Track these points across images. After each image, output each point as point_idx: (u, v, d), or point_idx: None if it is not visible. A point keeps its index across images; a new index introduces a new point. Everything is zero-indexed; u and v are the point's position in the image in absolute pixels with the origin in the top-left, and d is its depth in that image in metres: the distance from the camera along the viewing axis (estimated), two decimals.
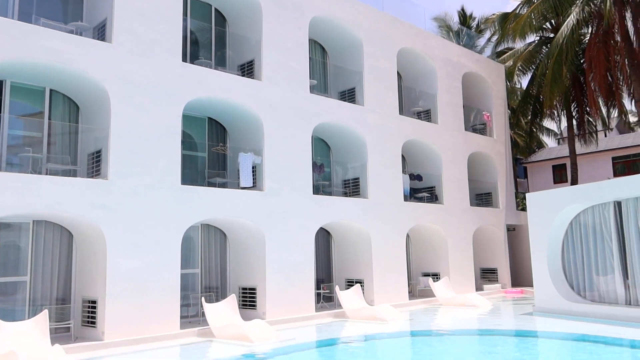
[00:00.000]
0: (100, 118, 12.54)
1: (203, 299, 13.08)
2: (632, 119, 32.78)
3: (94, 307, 11.80)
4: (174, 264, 12.74)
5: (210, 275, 15.21)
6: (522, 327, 13.58)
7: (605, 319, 12.89)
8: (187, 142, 15.23)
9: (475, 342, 12.40)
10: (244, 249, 15.20)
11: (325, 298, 17.20)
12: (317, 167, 17.31)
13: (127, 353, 10.87)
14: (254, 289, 14.70)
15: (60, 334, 11.96)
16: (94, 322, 11.76)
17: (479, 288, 21.49)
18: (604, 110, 26.88)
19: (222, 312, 12.84)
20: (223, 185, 15.07)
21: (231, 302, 13.14)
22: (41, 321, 10.25)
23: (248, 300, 14.80)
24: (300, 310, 15.00)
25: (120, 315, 11.65)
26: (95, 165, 12.55)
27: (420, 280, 20.17)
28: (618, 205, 13.63)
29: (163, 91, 13.12)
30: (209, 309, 12.70)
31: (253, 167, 14.85)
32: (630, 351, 10.29)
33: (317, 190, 17.06)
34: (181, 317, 13.01)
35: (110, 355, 10.73)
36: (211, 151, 15.65)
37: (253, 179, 14.85)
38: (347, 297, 15.63)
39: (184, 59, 14.55)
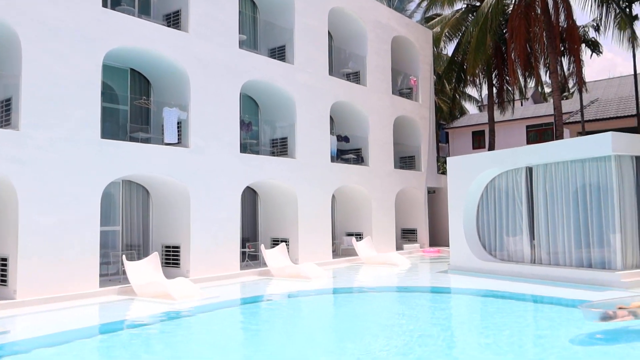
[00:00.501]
0: (11, 63, 11.59)
1: (124, 256, 12.73)
2: (547, 89, 34.61)
3: (5, 265, 11.18)
4: (93, 221, 12.26)
5: (132, 233, 14.78)
6: (437, 284, 14.33)
7: (513, 276, 13.84)
8: (108, 93, 14.45)
9: (394, 298, 12.97)
10: (168, 207, 14.85)
11: (250, 257, 17.26)
12: (244, 125, 17.05)
13: (42, 312, 10.45)
14: (177, 248, 14.48)
15: None
16: (4, 281, 11.16)
17: (399, 247, 22.35)
18: (522, 80, 28.20)
19: (144, 271, 12.57)
20: (146, 141, 14.50)
21: (154, 260, 12.88)
22: None
23: (171, 258, 14.57)
24: (225, 269, 14.99)
25: (34, 273, 11.12)
26: (4, 115, 11.66)
27: (344, 240, 20.67)
28: (529, 170, 14.48)
29: (81, 37, 12.28)
30: (130, 267, 12.40)
31: (178, 123, 14.37)
32: (533, 305, 11.16)
33: (244, 148, 16.85)
34: (101, 276, 12.61)
35: (23, 314, 10.28)
36: (134, 104, 14.95)
37: (178, 135, 14.39)
38: (272, 256, 15.77)
39: (104, 4, 13.63)
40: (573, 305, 10.16)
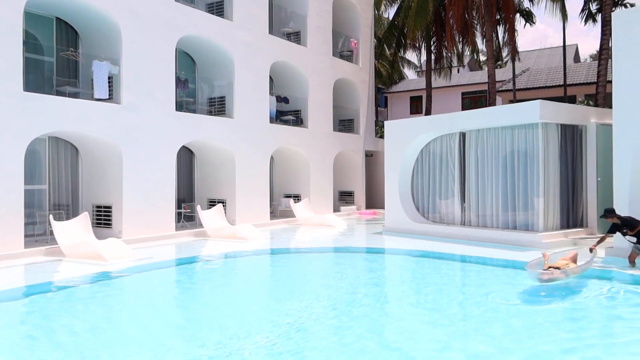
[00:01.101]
0: None
1: (51, 216, 12.17)
2: (482, 58, 35.48)
3: None
4: (15, 179, 11.59)
5: (60, 192, 14.14)
6: (372, 245, 14.68)
7: (444, 237, 14.38)
8: (31, 43, 13.51)
9: (330, 258, 13.19)
10: (99, 166, 14.26)
11: (186, 217, 16.98)
12: (181, 83, 16.48)
13: None
14: (109, 208, 14.01)
15: None
16: None
17: (336, 209, 22.66)
18: (459, 47, 28.73)
19: (73, 231, 12.10)
20: (74, 95, 13.74)
21: (83, 221, 12.40)
22: None
23: (103, 219, 14.10)
24: (159, 230, 14.69)
25: None
26: None
27: (281, 201, 20.70)
28: (463, 136, 14.92)
29: None
30: (58, 227, 11.89)
31: (109, 78, 13.68)
32: (461, 264, 11.67)
33: (180, 107, 16.33)
34: (26, 236, 12.03)
35: None
36: (60, 56, 14.06)
37: (109, 91, 13.72)
38: (208, 217, 15.58)
39: None
40: (497, 265, 10.72)
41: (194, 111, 17.09)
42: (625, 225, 10.08)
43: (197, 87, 18.00)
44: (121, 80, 13.74)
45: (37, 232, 13.26)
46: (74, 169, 14.44)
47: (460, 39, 27.28)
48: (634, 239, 9.98)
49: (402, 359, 5.52)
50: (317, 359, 5.53)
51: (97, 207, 14.21)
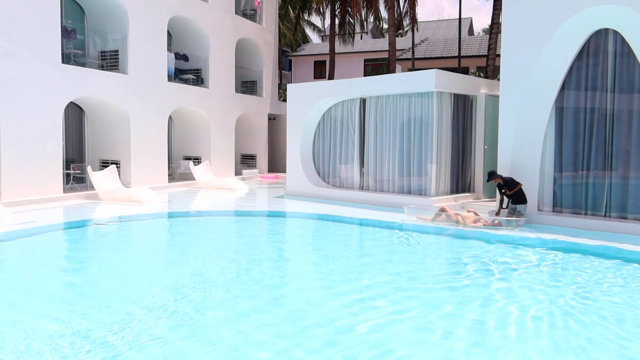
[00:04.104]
0: None
1: None
2: (385, 25, 36.11)
3: None
4: None
5: None
6: (273, 209, 14.67)
7: (344, 201, 14.69)
8: None
9: (230, 222, 13.02)
10: None
11: (75, 179, 15.90)
12: (67, 33, 15.15)
13: None
14: None
15: None
16: None
17: (238, 173, 22.35)
18: (363, 13, 28.96)
19: None
20: None
21: None
22: None
23: None
24: (44, 192, 13.66)
25: None
26: None
27: (181, 164, 20.03)
28: (363, 102, 15.16)
29: None
30: None
31: None
32: (358, 227, 12.01)
33: (67, 59, 15.04)
34: None
35: None
36: None
37: None
38: (100, 178, 14.70)
39: None
40: (391, 228, 11.15)
41: (83, 65, 15.83)
42: (505, 185, 11.01)
43: (86, 39, 16.66)
44: None
45: None
46: None
47: (364, 5, 27.48)
48: (508, 200, 11.05)
49: (293, 319, 5.58)
50: (211, 324, 5.44)
51: None
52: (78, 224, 11.55)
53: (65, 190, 14.62)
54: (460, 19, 27.03)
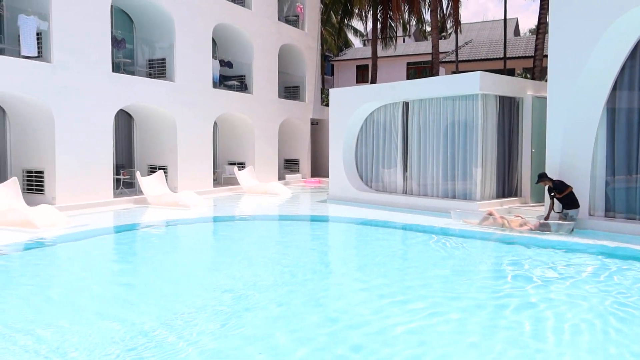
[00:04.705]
0: None
1: None
2: (428, 28, 35.76)
3: None
4: None
5: None
6: (316, 213, 14.73)
7: (387, 205, 14.61)
8: None
9: (274, 226, 13.15)
10: (28, 128, 13.48)
11: (125, 184, 16.42)
12: (117, 42, 15.68)
13: None
14: (41, 173, 13.33)
15: None
16: None
17: (281, 177, 22.56)
18: (405, 16, 28.79)
19: (1, 197, 11.44)
20: None
21: (12, 186, 11.74)
22: None
23: (34, 184, 13.42)
24: (96, 196, 14.15)
25: None
26: None
27: (225, 169, 20.38)
28: (406, 105, 15.05)
29: None
30: None
31: (38, 34, 12.82)
32: (401, 232, 11.91)
33: (117, 68, 15.58)
34: None
35: None
36: None
37: (38, 48, 12.88)
38: (148, 183, 15.12)
39: None
40: (435, 232, 11.01)
41: (132, 73, 16.36)
42: (555, 188, 10.68)
43: (135, 48, 17.21)
44: (51, 36, 12.92)
45: None
46: (1, 131, 13.61)
47: (406, 9, 27.31)
48: (560, 205, 10.69)
49: (334, 321, 5.58)
50: (259, 326, 5.51)
51: (28, 172, 13.50)
52: (128, 227, 11.92)
53: (115, 195, 15.10)
54: (505, 19, 26.50)
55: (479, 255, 9.35)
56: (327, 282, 7.56)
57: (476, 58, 30.00)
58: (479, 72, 13.06)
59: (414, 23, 31.64)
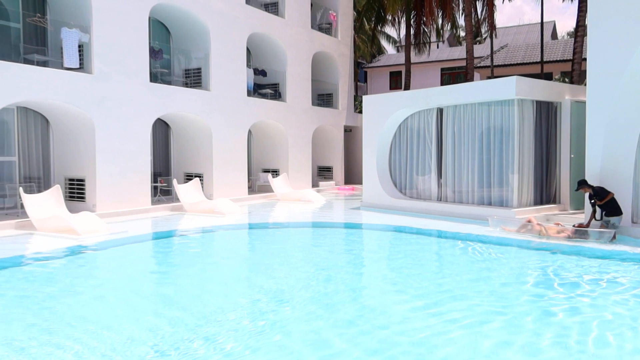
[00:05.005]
0: None
1: (21, 189, 11.88)
2: (462, 33, 35.41)
3: None
4: None
5: (31, 164, 13.79)
6: (349, 220, 14.71)
7: (421, 213, 14.48)
8: None
9: (307, 233, 13.19)
10: (71, 137, 13.92)
11: (162, 191, 16.77)
12: (154, 53, 16.07)
13: None
14: (82, 181, 13.73)
15: None
16: None
17: (315, 185, 22.63)
18: (439, 22, 28.57)
19: (45, 204, 11.84)
20: (43, 64, 13.30)
21: (55, 194, 12.14)
22: None
23: (76, 192, 13.83)
24: (135, 203, 14.47)
25: None
26: None
27: (259, 176, 20.57)
28: (440, 111, 14.91)
29: None
30: (29, 200, 11.62)
31: (79, 46, 13.25)
32: (437, 239, 11.77)
33: (155, 77, 15.95)
34: None
35: None
36: (27, 22, 13.55)
37: (80, 60, 13.31)
38: (185, 191, 15.40)
39: None
40: (472, 240, 10.84)
41: (169, 83, 16.72)
42: (595, 195, 10.38)
43: (172, 58, 17.59)
44: (92, 48, 13.33)
45: (7, 205, 12.96)
46: (45, 140, 14.08)
47: (440, 14, 27.11)
48: (600, 211, 10.38)
49: (373, 328, 5.55)
50: (295, 331, 5.53)
51: (70, 180, 13.92)
52: (165, 234, 12.16)
53: (153, 202, 15.42)
54: (542, 22, 26.01)
55: (518, 263, 9.15)
56: (362, 290, 7.52)
57: (512, 63, 29.52)
58: (514, 77, 12.85)
59: (447, 28, 31.35)
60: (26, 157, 13.65)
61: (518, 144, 13.00)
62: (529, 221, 11.00)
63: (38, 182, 13.88)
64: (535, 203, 13.50)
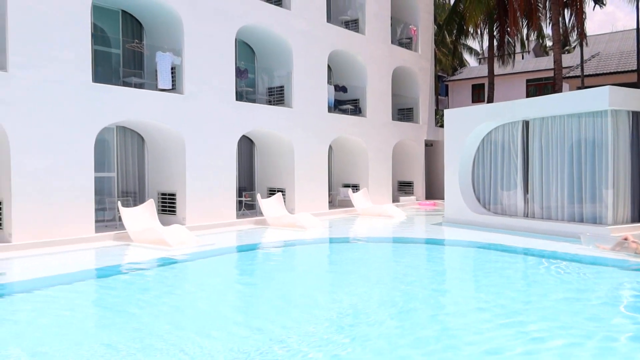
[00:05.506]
0: None
1: (119, 203, 12.75)
2: (548, 42, 34.00)
3: (0, 209, 11.20)
4: (86, 166, 12.20)
5: (128, 179, 14.77)
6: (431, 236, 14.47)
7: (506, 229, 13.98)
8: (99, 36, 14.12)
9: (388, 248, 13.12)
10: (163, 154, 14.79)
11: (246, 206, 17.34)
12: (240, 72, 16.76)
13: (38, 255, 10.55)
14: (173, 195, 14.51)
15: None
16: (0, 224, 11.21)
17: (395, 200, 22.47)
18: (523, 32, 27.65)
19: (140, 217, 12.63)
20: (140, 86, 14.29)
21: (149, 207, 12.92)
22: None
23: (167, 205, 14.63)
24: (221, 217, 15.07)
25: (29, 217, 11.16)
26: None
27: (340, 191, 20.74)
28: (526, 124, 14.39)
29: None
30: (126, 213, 12.45)
31: (172, 68, 14.12)
32: (523, 257, 11.31)
33: (240, 96, 16.63)
34: (97, 221, 12.64)
35: (19, 256, 10.38)
36: (126, 48, 14.63)
37: (172, 81, 14.17)
38: (268, 205, 15.84)
39: None
40: (561, 259, 10.32)
41: (253, 101, 17.36)
42: None
43: (256, 77, 18.26)
44: (183, 70, 14.14)
45: (106, 218, 13.93)
46: (140, 157, 15.04)
47: (525, 24, 26.23)
48: None
49: (455, 347, 5.44)
50: (375, 348, 5.54)
51: (162, 194, 14.75)
52: (250, 247, 12.56)
53: (238, 216, 15.98)
54: (638, 28, 24.46)
55: (612, 284, 8.60)
56: (444, 308, 7.38)
57: (605, 72, 27.94)
58: (607, 87, 12.19)
59: (533, 38, 30.25)
60: (124, 173, 14.65)
61: (612, 157, 12.28)
62: (625, 239, 10.32)
63: (134, 197, 14.83)
64: (633, 220, 12.64)
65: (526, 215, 14.33)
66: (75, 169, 11.98)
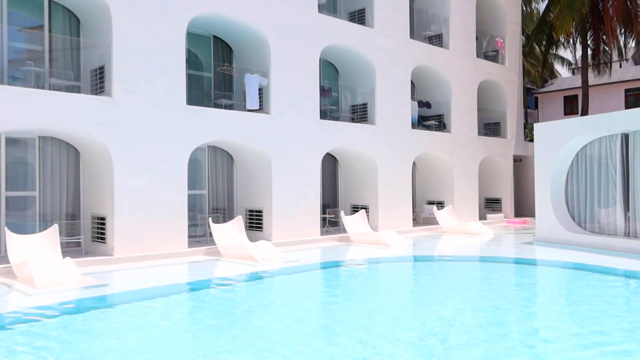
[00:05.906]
0: (102, 33, 12.23)
1: (210, 219, 13.31)
2: None
3: (103, 224, 12.07)
4: (180, 184, 12.87)
5: (218, 197, 15.41)
6: (521, 256, 13.86)
7: (604, 249, 13.09)
8: (193, 61, 14.94)
9: (475, 267, 12.71)
10: (251, 172, 15.30)
11: (330, 222, 17.49)
12: (324, 91, 17.05)
13: (137, 268, 11.23)
14: (260, 212, 14.94)
15: (71, 248, 12.29)
16: (103, 238, 12.06)
17: (482, 217, 21.76)
18: (621, 39, 26.03)
19: (229, 233, 13.12)
20: (229, 107, 14.93)
21: (238, 223, 13.39)
22: (51, 235, 10.56)
23: (255, 222, 15.08)
24: (305, 234, 15.30)
25: (128, 232, 11.92)
26: (98, 82, 12.39)
27: (424, 208, 20.40)
28: (625, 137, 13.48)
29: (165, 6, 12.69)
30: (216, 229, 12.97)
31: (259, 89, 14.64)
32: (624, 280, 10.53)
33: (324, 115, 16.90)
34: (189, 237, 13.28)
35: (120, 269, 11.10)
36: (217, 71, 15.38)
37: (260, 102, 14.68)
38: (351, 222, 15.89)
39: None
40: None
41: (337, 119, 17.58)
42: None
43: (340, 95, 18.49)
44: (270, 91, 14.62)
45: (198, 234, 14.58)
46: (230, 175, 15.65)
47: (622, 31, 24.69)
48: None
49: None
50: None
51: (250, 211, 15.23)
52: (334, 264, 12.65)
53: (322, 233, 16.14)
54: None
55: None
56: (535, 332, 7.02)
57: None
58: None
59: (632, 45, 28.36)
60: (214, 191, 15.30)
61: None
62: None
63: (223, 213, 15.42)
64: None
65: (627, 235, 13.36)
66: (170, 187, 12.69)
